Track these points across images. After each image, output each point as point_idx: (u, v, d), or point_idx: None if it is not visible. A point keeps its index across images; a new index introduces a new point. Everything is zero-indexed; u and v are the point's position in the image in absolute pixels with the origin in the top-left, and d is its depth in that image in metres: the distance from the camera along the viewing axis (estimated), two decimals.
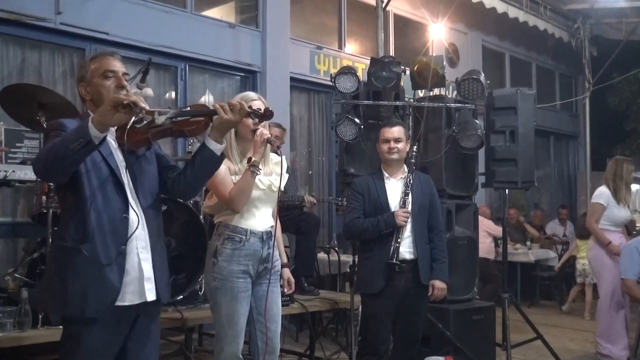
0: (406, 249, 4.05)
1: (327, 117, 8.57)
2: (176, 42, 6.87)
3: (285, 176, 3.42)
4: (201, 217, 4.65)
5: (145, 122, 2.46)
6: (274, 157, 3.43)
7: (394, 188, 4.14)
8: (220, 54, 7.32)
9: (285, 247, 4.11)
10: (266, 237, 3.30)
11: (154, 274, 2.60)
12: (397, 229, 3.99)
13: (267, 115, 2.69)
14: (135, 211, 2.55)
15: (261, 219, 3.30)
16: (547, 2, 10.67)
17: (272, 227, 3.35)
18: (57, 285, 2.49)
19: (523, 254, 9.27)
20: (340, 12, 8.95)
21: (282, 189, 3.43)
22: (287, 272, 3.69)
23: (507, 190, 5.96)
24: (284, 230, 5.42)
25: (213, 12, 7.65)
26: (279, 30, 7.85)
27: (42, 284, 2.58)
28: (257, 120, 3.17)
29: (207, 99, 7.51)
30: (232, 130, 3.24)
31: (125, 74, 2.63)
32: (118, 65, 2.62)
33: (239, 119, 2.60)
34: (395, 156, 4.10)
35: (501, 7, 9.95)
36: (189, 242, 4.55)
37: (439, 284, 4.12)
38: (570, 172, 13.51)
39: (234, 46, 7.47)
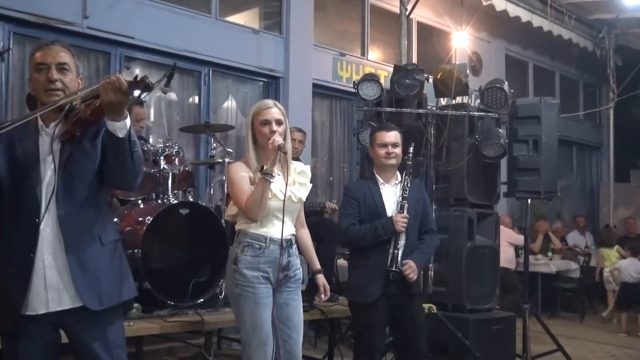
0: (401, 257, 3.91)
1: (349, 124, 8.57)
2: (200, 47, 6.92)
3: (309, 186, 3.43)
4: (222, 221, 4.67)
5: (71, 112, 2.36)
6: (298, 166, 3.41)
7: (389, 194, 4.03)
8: (244, 59, 7.36)
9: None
10: (286, 244, 3.28)
11: (72, 280, 2.40)
12: (396, 236, 3.88)
13: (146, 87, 2.31)
14: (43, 213, 2.37)
15: (282, 227, 3.26)
16: (572, 12, 10.59)
17: (293, 235, 3.35)
18: None
19: (544, 264, 9.19)
20: (363, 19, 8.95)
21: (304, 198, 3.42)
22: (322, 278, 3.61)
23: (529, 200, 5.92)
24: None
25: (237, 18, 7.69)
26: (302, 36, 7.88)
27: None
28: (273, 129, 3.19)
29: (230, 104, 7.55)
30: (250, 139, 3.26)
31: (61, 64, 2.45)
32: (52, 56, 2.44)
33: (122, 98, 2.26)
34: (393, 161, 4.00)
35: (525, 16, 9.89)
36: (210, 246, 4.57)
37: (412, 264, 3.86)
38: (593, 182, 13.38)
39: (258, 52, 7.51)
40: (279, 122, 3.25)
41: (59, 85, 2.43)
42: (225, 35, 7.21)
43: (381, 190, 4.02)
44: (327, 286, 3.60)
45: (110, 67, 6.36)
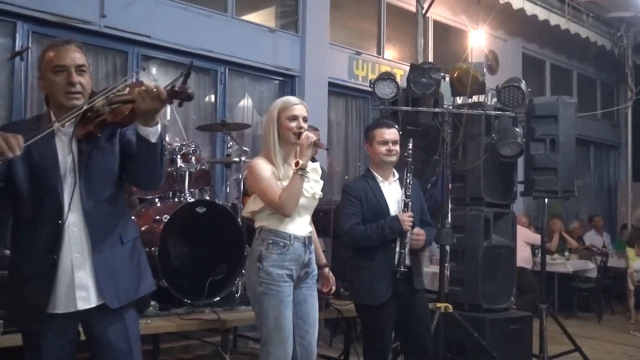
0: (407, 256, 3.87)
1: (365, 123, 8.55)
2: (216, 46, 6.94)
3: (321, 182, 3.44)
4: (239, 220, 4.68)
5: (90, 113, 2.37)
6: (310, 163, 3.42)
7: (390, 191, 3.97)
8: (260, 58, 7.38)
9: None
10: (307, 242, 3.32)
11: (95, 279, 2.44)
12: (403, 235, 3.83)
13: (184, 97, 2.35)
14: (67, 214, 2.39)
15: (302, 224, 3.32)
16: (590, 10, 10.51)
17: (311, 232, 3.38)
18: (7, 300, 2.49)
19: (561, 264, 9.13)
20: (379, 17, 8.94)
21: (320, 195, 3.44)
22: (329, 271, 3.70)
23: (546, 200, 5.89)
24: (319, 234, 5.42)
25: (253, 17, 7.71)
26: (318, 35, 7.88)
27: None
28: (301, 124, 3.23)
29: (246, 102, 7.56)
30: (275, 134, 3.26)
31: (80, 66, 2.45)
32: (71, 58, 2.43)
33: (159, 106, 2.31)
34: (393, 158, 3.94)
35: (542, 15, 9.84)
36: (226, 245, 4.59)
37: (422, 231, 3.90)
38: (610, 182, 13.28)
39: (274, 51, 7.52)
40: (305, 119, 3.29)
41: (79, 88, 2.44)
42: (241, 34, 7.23)
43: (382, 188, 3.96)
44: (333, 277, 3.67)
45: (127, 66, 6.40)
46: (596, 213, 11.78)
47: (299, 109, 3.29)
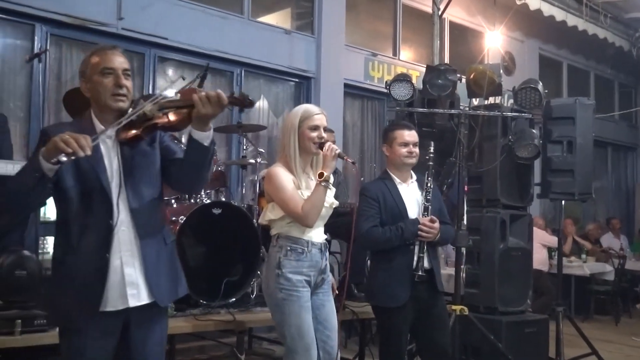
0: (426, 258, 3.82)
1: (380, 124, 8.56)
2: (232, 48, 6.97)
3: (333, 190, 3.43)
4: (254, 221, 4.69)
5: (136, 116, 2.44)
6: None
7: (408, 193, 3.92)
8: (276, 59, 7.40)
9: (335, 253, 4.10)
10: (324, 248, 3.34)
11: (145, 277, 2.52)
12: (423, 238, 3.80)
13: (247, 104, 2.49)
14: (117, 214, 2.47)
15: (318, 231, 3.34)
16: (608, 10, 10.44)
17: (326, 239, 3.40)
18: (49, 297, 2.54)
19: (578, 266, 9.06)
20: (395, 19, 8.93)
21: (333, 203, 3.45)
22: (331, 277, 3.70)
23: (563, 202, 5.85)
24: (335, 237, 5.43)
25: (269, 19, 7.73)
26: (334, 36, 7.89)
27: None
28: (322, 134, 3.23)
29: (262, 104, 7.58)
30: (296, 143, 3.26)
31: (126, 70, 2.53)
32: (118, 62, 2.50)
33: (219, 111, 2.43)
34: (414, 160, 3.90)
35: (560, 15, 9.78)
36: (242, 246, 4.60)
37: (435, 219, 3.80)
38: (628, 184, 13.17)
39: (289, 52, 7.54)
40: (325, 129, 3.29)
41: (125, 91, 2.51)
42: (257, 36, 7.25)
43: (400, 190, 3.91)
44: (335, 284, 3.62)
45: (144, 67, 6.44)
46: (614, 215, 11.69)
47: (320, 119, 3.29)
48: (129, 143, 2.49)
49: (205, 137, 2.48)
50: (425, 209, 3.84)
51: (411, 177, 3.98)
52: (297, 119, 3.28)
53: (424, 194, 3.90)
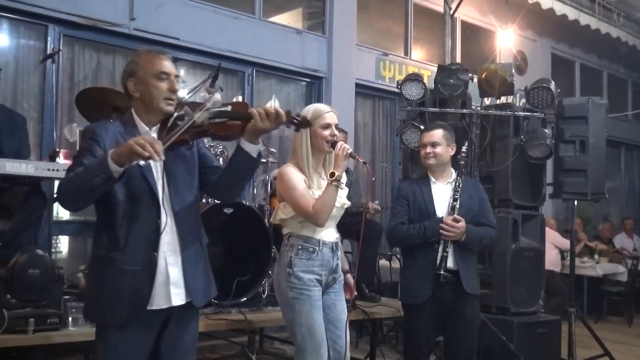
0: (451, 258, 3.80)
1: (392, 124, 8.54)
2: (244, 48, 6.98)
3: (346, 190, 3.45)
4: (266, 221, 4.70)
5: (186, 119, 2.49)
6: None
7: (441, 192, 3.93)
8: (287, 59, 7.40)
9: (346, 252, 4.11)
10: (335, 247, 3.34)
11: (184, 277, 2.58)
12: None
13: (304, 124, 2.69)
14: (165, 215, 2.53)
15: (329, 230, 3.34)
16: (621, 9, 10.37)
17: (338, 238, 3.39)
18: (92, 294, 2.54)
19: (590, 267, 9.02)
20: (406, 18, 8.91)
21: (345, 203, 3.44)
22: (350, 278, 3.69)
23: (575, 202, 5.82)
24: (346, 237, 5.42)
25: (280, 18, 7.74)
26: (345, 36, 7.88)
27: (84, 291, 2.62)
28: (334, 132, 3.26)
29: (273, 104, 7.56)
30: (309, 143, 3.27)
31: (176, 76, 2.61)
32: (171, 67, 2.59)
33: (275, 127, 2.59)
34: (431, 161, 3.92)
35: (572, 14, 9.73)
36: (253, 246, 4.61)
37: (462, 221, 3.76)
38: None
39: (301, 52, 7.54)
40: (336, 127, 3.31)
41: (174, 95, 2.59)
42: (268, 36, 7.26)
43: (432, 189, 3.94)
44: (354, 285, 3.67)
45: None
46: (627, 215, 11.61)
47: (331, 117, 3.30)
48: (172, 146, 2.52)
49: (255, 149, 2.58)
50: (452, 208, 3.84)
51: (450, 176, 3.98)
52: (308, 118, 3.28)
53: (452, 193, 3.90)
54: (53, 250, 5.46)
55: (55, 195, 2.41)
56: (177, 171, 2.61)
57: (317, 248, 3.25)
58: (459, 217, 3.78)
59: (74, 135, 5.58)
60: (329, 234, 3.32)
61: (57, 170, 3.83)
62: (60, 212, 5.76)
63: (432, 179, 3.98)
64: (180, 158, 2.62)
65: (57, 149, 4.43)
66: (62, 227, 5.81)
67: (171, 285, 2.55)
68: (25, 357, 4.11)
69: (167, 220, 2.54)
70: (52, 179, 4.13)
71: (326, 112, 3.30)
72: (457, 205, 3.84)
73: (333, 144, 3.24)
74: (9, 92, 5.62)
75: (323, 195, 3.18)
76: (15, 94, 5.72)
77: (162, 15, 6.36)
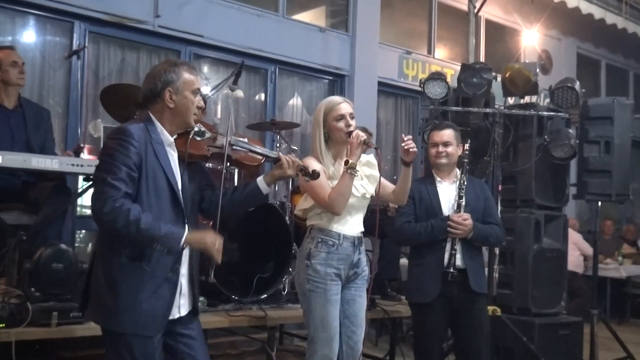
0: (459, 256, 3.81)
1: (414, 123, 8.52)
2: (267, 45, 7.00)
3: (377, 176, 3.41)
4: (287, 218, 4.71)
5: (206, 136, 2.59)
6: (362, 157, 3.38)
7: (446, 191, 3.95)
8: (310, 57, 7.41)
9: (368, 251, 4.09)
10: (357, 242, 3.33)
11: (189, 287, 2.66)
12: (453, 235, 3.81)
13: (314, 175, 2.87)
14: (187, 225, 2.59)
15: (353, 224, 3.33)
16: None
17: (362, 232, 3.38)
18: (112, 302, 2.48)
19: (614, 269, 8.92)
20: (430, 16, 8.88)
21: (374, 191, 3.41)
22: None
23: (599, 203, 5.76)
24: (367, 235, 5.41)
25: (304, 16, 7.74)
26: (369, 34, 7.87)
27: (92, 295, 2.58)
28: (349, 122, 3.26)
29: (296, 101, 7.60)
30: (322, 137, 3.29)
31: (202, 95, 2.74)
32: (201, 85, 2.72)
33: (293, 175, 2.83)
34: (443, 160, 3.92)
35: (598, 13, 9.62)
36: (274, 243, 4.62)
37: (469, 219, 3.77)
38: None
39: (324, 50, 7.54)
40: (352, 117, 3.30)
41: (199, 112, 2.74)
42: (291, 34, 7.27)
43: (438, 189, 3.95)
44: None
45: None
46: None
47: (345, 107, 3.30)
48: (190, 157, 2.62)
49: (267, 190, 2.80)
50: (458, 206, 3.85)
51: (455, 176, 3.98)
52: (321, 113, 3.31)
53: (457, 191, 3.90)
54: (76, 244, 5.53)
55: (100, 212, 2.39)
56: (190, 182, 2.69)
57: (337, 242, 3.25)
58: (465, 215, 3.79)
59: (98, 130, 5.65)
60: (351, 227, 3.31)
61: (82, 165, 3.85)
62: (84, 208, 5.83)
63: (438, 178, 3.99)
64: (191, 172, 2.70)
65: (82, 145, 4.47)
66: (86, 222, 5.86)
67: (181, 296, 2.62)
68: (49, 350, 4.17)
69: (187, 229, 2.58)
70: (76, 174, 4.17)
71: (338, 104, 3.30)
72: (464, 203, 3.85)
73: (350, 134, 3.24)
74: (35, 88, 5.69)
75: (338, 183, 3.18)
76: (42, 89, 5.79)
77: (186, 12, 6.40)
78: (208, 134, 2.59)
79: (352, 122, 3.29)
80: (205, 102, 4.71)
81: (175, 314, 2.59)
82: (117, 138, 2.46)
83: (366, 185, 3.35)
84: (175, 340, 2.64)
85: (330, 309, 3.22)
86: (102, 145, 2.58)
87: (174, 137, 2.62)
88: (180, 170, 2.61)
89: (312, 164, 3.23)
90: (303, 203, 3.37)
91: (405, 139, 3.36)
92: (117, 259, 2.49)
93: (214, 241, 2.48)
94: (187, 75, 2.59)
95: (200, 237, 2.49)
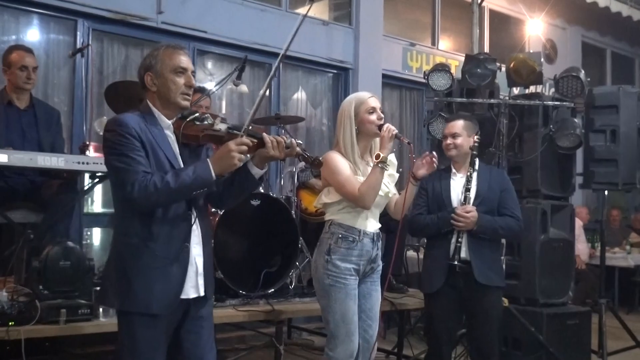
0: (464, 248, 3.82)
1: (419, 115, 8.51)
2: (271, 40, 6.98)
3: (396, 176, 3.47)
4: (293, 212, 4.72)
5: (206, 122, 2.55)
6: None
7: (459, 183, 3.95)
8: (314, 51, 7.39)
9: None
10: (376, 238, 3.36)
11: (203, 269, 2.65)
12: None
13: (316, 164, 2.73)
14: (195, 205, 2.61)
15: (372, 220, 3.35)
16: None
17: (380, 228, 3.40)
18: (124, 282, 2.53)
19: (622, 258, 8.90)
20: (434, 8, 8.85)
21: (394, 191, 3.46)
22: None
23: (606, 192, 5.74)
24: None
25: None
26: (372, 27, 7.85)
27: (106, 279, 2.63)
28: (380, 115, 3.27)
29: (300, 95, 7.60)
30: (353, 131, 3.28)
31: (193, 71, 2.64)
32: (188, 62, 2.61)
33: (283, 157, 2.64)
34: (452, 152, 3.93)
35: (603, 2, 9.59)
36: (280, 237, 4.63)
37: (473, 211, 3.76)
38: None
39: (327, 43, 7.53)
40: (381, 110, 3.34)
41: (191, 91, 2.63)
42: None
43: (451, 180, 3.97)
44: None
45: None
46: None
47: (374, 101, 3.33)
48: (185, 139, 2.59)
49: (259, 173, 2.64)
50: (465, 198, 3.85)
51: (471, 168, 3.94)
52: (352, 107, 3.31)
53: (464, 183, 3.91)
54: (84, 242, 5.55)
55: (132, 197, 2.42)
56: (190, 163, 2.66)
57: (357, 238, 3.27)
58: (470, 207, 3.79)
59: (104, 128, 5.65)
60: (371, 223, 3.33)
61: (87, 163, 3.87)
62: (91, 205, 5.85)
63: (454, 170, 4.01)
64: (195, 158, 2.67)
65: (87, 142, 4.48)
66: (93, 219, 5.90)
67: (198, 276, 2.61)
68: (58, 348, 4.19)
69: (195, 212, 2.59)
70: (82, 172, 4.19)
71: (368, 97, 3.33)
72: (470, 195, 3.86)
73: (380, 127, 3.26)
74: (40, 86, 5.70)
75: (369, 177, 3.20)
76: (46, 88, 5.80)
77: (189, 8, 6.40)
78: (210, 120, 2.55)
79: (383, 116, 3.32)
80: (209, 96, 4.72)
81: (190, 294, 2.59)
82: (113, 130, 2.50)
83: (388, 184, 3.37)
84: (185, 325, 2.65)
85: (350, 303, 3.23)
86: (103, 139, 2.59)
87: (172, 120, 2.61)
88: (184, 156, 2.62)
89: (338, 159, 3.25)
90: (325, 197, 3.35)
91: (430, 155, 3.45)
92: (128, 239, 2.54)
93: (237, 142, 2.45)
94: (165, 57, 2.59)
95: (222, 152, 2.45)
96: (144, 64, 2.62)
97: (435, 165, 3.46)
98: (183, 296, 2.56)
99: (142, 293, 2.50)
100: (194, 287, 2.60)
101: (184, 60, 2.59)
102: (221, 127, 2.55)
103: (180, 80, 2.58)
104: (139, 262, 2.51)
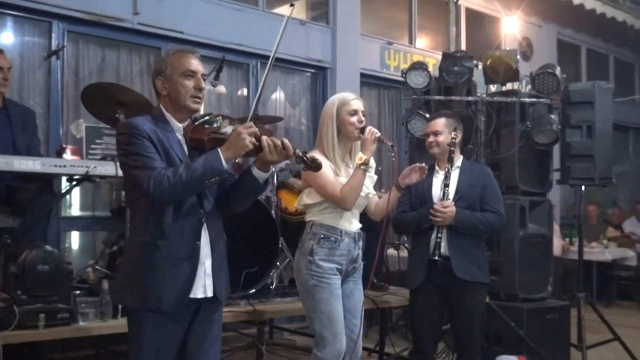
0: (444, 243, 3.84)
1: (398, 113, 8.53)
2: (248, 40, 6.97)
3: (374, 178, 3.50)
4: (273, 212, 4.71)
5: (215, 125, 2.59)
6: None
7: (441, 180, 3.96)
8: (291, 50, 7.37)
9: None
10: (357, 237, 3.38)
11: (212, 271, 2.65)
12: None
13: (314, 167, 2.70)
14: (204, 206, 2.63)
15: (354, 220, 3.38)
16: None
17: (360, 228, 3.42)
18: (135, 279, 2.57)
19: (599, 252, 9.00)
20: (410, 6, 8.87)
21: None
22: None
23: (583, 187, 5.81)
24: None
25: (284, 10, 7.69)
26: (349, 26, 7.86)
27: (119, 277, 2.64)
28: (362, 118, 3.30)
29: (278, 95, 7.59)
30: (334, 131, 3.30)
31: (203, 74, 2.67)
32: (198, 65, 2.64)
33: (281, 160, 2.63)
34: (435, 150, 3.98)
35: None
36: (261, 238, 4.62)
37: (451, 206, 3.79)
38: None
39: (305, 43, 7.53)
40: (363, 113, 3.34)
41: (201, 94, 2.66)
42: (272, 27, 7.19)
43: (434, 178, 4.01)
44: None
45: None
46: (637, 200, 11.56)
47: (357, 103, 3.34)
48: (192, 142, 2.62)
49: (263, 176, 2.65)
50: (443, 194, 3.88)
51: (449, 164, 3.94)
52: (334, 108, 3.33)
53: (443, 178, 3.93)
54: (62, 246, 5.50)
55: (148, 193, 2.46)
56: None
57: (339, 238, 3.28)
58: (448, 202, 3.82)
59: (80, 131, 5.61)
60: (352, 223, 3.36)
61: (64, 166, 3.84)
62: (69, 208, 5.79)
63: (437, 168, 4.05)
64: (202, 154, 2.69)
65: (64, 145, 4.45)
66: (71, 222, 5.83)
67: (206, 277, 2.63)
68: (37, 352, 4.15)
69: (205, 213, 2.62)
70: (59, 175, 4.15)
71: (352, 99, 3.34)
72: (449, 191, 3.88)
73: (362, 130, 3.28)
74: (15, 89, 5.62)
75: (351, 178, 3.22)
76: (21, 91, 5.73)
77: (165, 9, 6.36)
78: (219, 122, 2.60)
79: (364, 119, 3.33)
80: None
81: (199, 294, 2.60)
82: (124, 132, 2.55)
83: (367, 185, 3.39)
84: (193, 326, 2.67)
85: (335, 303, 3.24)
86: (116, 143, 2.64)
87: (183, 124, 2.66)
88: (191, 155, 2.63)
89: (322, 160, 3.24)
90: (306, 198, 3.36)
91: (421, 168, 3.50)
92: (140, 238, 2.57)
93: (245, 125, 2.47)
94: (175, 61, 2.63)
95: (232, 137, 2.48)
96: (155, 69, 2.68)
97: (424, 175, 3.53)
98: (192, 295, 2.58)
99: (152, 290, 2.52)
100: (202, 287, 2.61)
101: (194, 64, 2.63)
102: (227, 130, 2.58)
103: (190, 83, 2.61)
104: (150, 261, 2.54)
